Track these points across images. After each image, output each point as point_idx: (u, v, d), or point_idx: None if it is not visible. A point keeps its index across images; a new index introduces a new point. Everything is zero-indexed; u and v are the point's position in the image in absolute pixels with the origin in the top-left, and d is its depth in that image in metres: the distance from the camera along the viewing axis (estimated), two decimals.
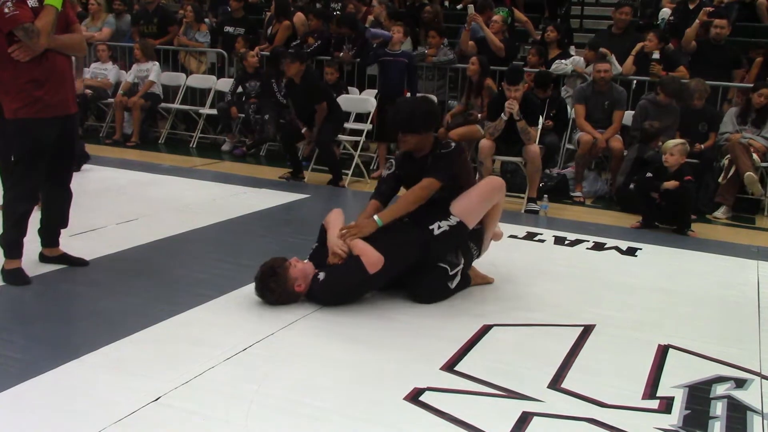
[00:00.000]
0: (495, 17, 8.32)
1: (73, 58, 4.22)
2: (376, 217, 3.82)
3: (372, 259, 3.64)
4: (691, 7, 8.42)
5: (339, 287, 3.71)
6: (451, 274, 3.92)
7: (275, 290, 3.67)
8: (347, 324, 3.54)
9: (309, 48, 8.56)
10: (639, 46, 7.55)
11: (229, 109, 8.60)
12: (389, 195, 4.10)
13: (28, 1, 3.70)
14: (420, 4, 9.50)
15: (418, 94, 7.29)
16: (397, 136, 4.03)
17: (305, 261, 3.86)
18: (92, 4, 9.99)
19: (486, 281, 4.29)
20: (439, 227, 3.83)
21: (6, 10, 3.62)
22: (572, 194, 7.01)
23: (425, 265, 3.87)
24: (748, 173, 6.35)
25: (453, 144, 4.00)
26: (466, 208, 3.92)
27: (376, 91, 8.15)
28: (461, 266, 3.97)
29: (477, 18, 7.97)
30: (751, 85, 7.02)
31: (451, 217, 3.87)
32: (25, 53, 3.70)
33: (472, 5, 8.15)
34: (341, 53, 8.52)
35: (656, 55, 7.58)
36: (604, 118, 7.09)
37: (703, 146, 6.71)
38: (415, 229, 3.86)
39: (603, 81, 7.02)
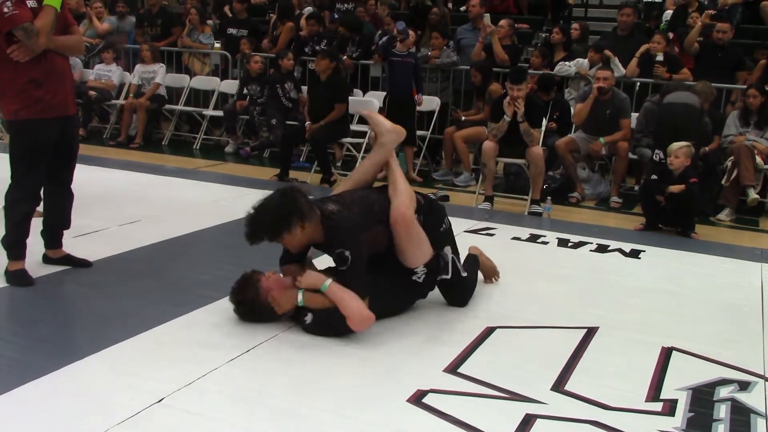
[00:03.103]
0: (501, 22, 8.32)
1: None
2: (299, 296, 3.44)
3: (358, 322, 3.34)
4: (690, 11, 8.41)
5: (327, 332, 3.44)
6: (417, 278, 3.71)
7: (245, 303, 3.48)
8: None
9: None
10: (643, 48, 7.53)
11: (235, 108, 8.62)
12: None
13: (27, 2, 3.70)
14: (423, 6, 9.50)
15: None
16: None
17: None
18: (98, 7, 10.02)
19: (491, 273, 4.31)
20: (419, 278, 3.67)
21: (5, 10, 3.62)
22: (568, 195, 6.99)
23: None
24: (752, 198, 6.43)
25: (348, 254, 3.38)
26: (419, 258, 3.66)
27: (379, 92, 8.17)
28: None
29: (491, 29, 7.95)
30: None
31: (417, 269, 3.66)
32: (24, 53, 3.70)
33: (488, 15, 8.13)
34: (344, 56, 8.52)
35: (660, 57, 7.55)
36: (605, 126, 6.93)
37: (707, 149, 6.70)
38: (407, 284, 3.70)
39: (602, 90, 6.84)
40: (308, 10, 9.59)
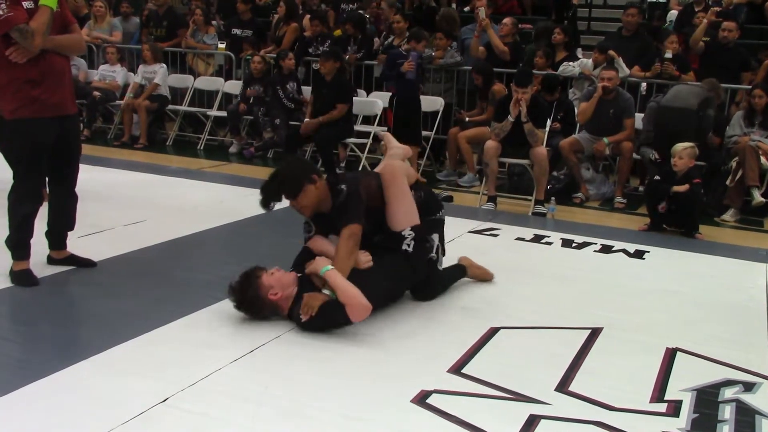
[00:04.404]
0: (505, 20, 8.31)
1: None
2: (326, 291, 3.48)
3: (357, 309, 3.39)
4: (697, 9, 8.40)
5: (320, 324, 3.45)
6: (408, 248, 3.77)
7: (244, 300, 3.49)
8: (353, 326, 3.52)
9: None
10: (658, 67, 7.46)
11: (239, 109, 8.63)
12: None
13: (23, 3, 3.70)
14: (427, 7, 9.49)
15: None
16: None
17: (289, 271, 3.68)
18: (99, 7, 10.04)
19: (485, 277, 4.31)
20: (408, 245, 3.76)
21: (0, 12, 3.63)
22: (572, 195, 6.98)
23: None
24: (758, 201, 6.40)
25: (343, 187, 3.72)
26: (403, 217, 3.81)
27: (383, 93, 8.15)
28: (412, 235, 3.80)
29: (486, 22, 7.95)
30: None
31: (405, 233, 3.77)
32: (21, 55, 3.69)
33: (482, 8, 8.11)
34: (346, 55, 8.50)
35: (668, 55, 7.50)
36: (609, 126, 6.91)
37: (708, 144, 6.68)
38: (399, 258, 3.75)
39: (607, 89, 6.82)
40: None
